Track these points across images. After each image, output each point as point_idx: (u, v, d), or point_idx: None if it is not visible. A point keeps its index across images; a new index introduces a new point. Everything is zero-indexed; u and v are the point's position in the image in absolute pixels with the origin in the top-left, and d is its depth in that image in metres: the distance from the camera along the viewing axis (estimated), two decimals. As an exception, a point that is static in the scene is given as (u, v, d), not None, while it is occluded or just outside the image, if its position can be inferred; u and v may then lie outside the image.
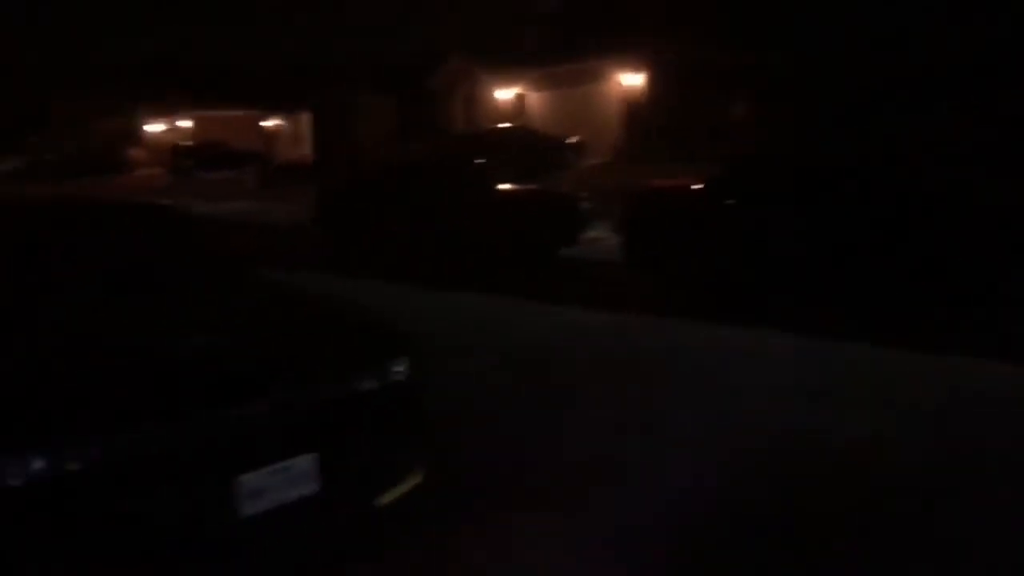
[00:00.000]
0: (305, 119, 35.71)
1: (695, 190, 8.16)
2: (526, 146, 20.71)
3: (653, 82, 23.76)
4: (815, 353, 6.04)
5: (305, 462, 3.28)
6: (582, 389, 5.53)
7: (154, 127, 44.92)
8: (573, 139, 22.99)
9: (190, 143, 37.37)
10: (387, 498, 3.62)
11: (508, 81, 28.13)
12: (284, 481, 3.22)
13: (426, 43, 32.11)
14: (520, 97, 28.22)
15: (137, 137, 45.30)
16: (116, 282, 4.03)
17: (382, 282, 9.45)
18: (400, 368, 3.73)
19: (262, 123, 39.26)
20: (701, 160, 13.88)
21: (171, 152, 36.80)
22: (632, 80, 24.14)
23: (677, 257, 8.00)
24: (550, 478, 4.24)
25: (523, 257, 10.69)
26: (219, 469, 3.09)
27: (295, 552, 3.44)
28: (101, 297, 3.86)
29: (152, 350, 3.38)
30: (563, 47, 25.53)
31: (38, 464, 2.82)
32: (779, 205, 7.32)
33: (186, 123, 42.22)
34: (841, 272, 7.01)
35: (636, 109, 23.94)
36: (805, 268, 7.20)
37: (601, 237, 12.05)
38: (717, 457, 4.38)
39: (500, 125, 24.89)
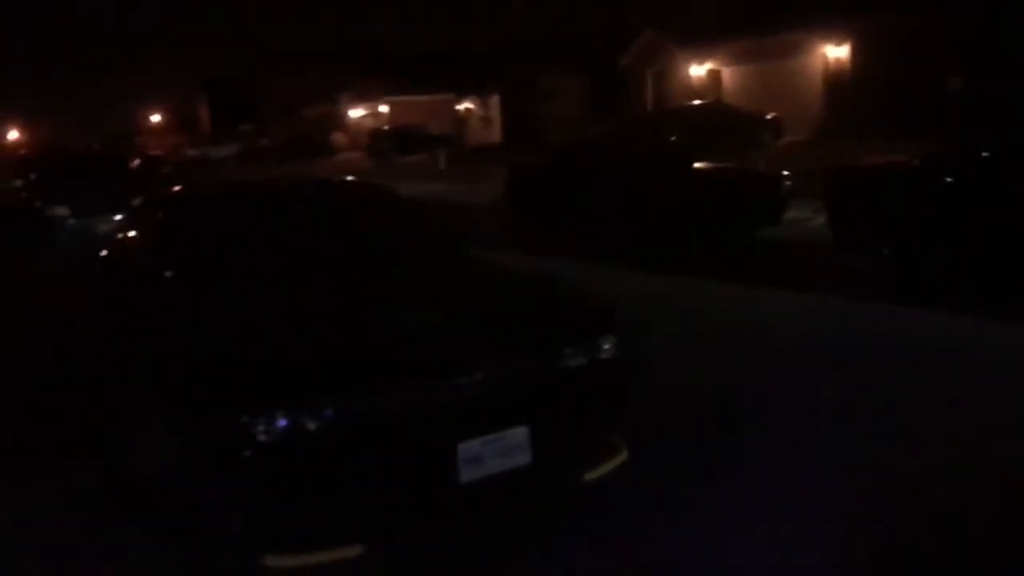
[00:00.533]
0: (495, 102, 36.46)
1: (912, 168, 7.56)
2: (721, 124, 20.04)
3: (858, 53, 22.27)
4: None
5: (518, 434, 3.35)
6: (796, 372, 5.30)
7: (355, 113, 47.49)
8: (771, 116, 22.00)
9: (387, 127, 39.17)
10: (594, 474, 3.63)
11: (702, 56, 27.35)
12: (499, 451, 3.30)
13: (617, 20, 31.79)
14: (714, 73, 27.37)
15: (340, 123, 48.10)
16: (346, 256, 4.30)
17: (574, 262, 9.48)
18: (609, 345, 3.72)
19: (455, 107, 40.49)
20: (912, 137, 12.91)
21: (370, 136, 38.76)
22: (835, 52, 22.74)
23: (889, 239, 7.46)
24: (763, 466, 4.10)
25: (720, 238, 10.37)
26: (441, 436, 3.22)
27: (506, 520, 3.53)
28: (334, 270, 4.12)
29: (381, 321, 3.58)
30: (760, 19, 24.43)
31: (283, 422, 3.05)
32: (1009, 185, 6.65)
33: (384, 108, 44.31)
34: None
35: (839, 83, 22.56)
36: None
37: (803, 218, 11.50)
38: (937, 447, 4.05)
39: (694, 102, 24.25)
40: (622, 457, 3.74)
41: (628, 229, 10.95)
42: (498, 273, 4.44)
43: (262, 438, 3.03)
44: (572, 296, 4.06)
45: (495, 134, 36.34)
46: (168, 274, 4.07)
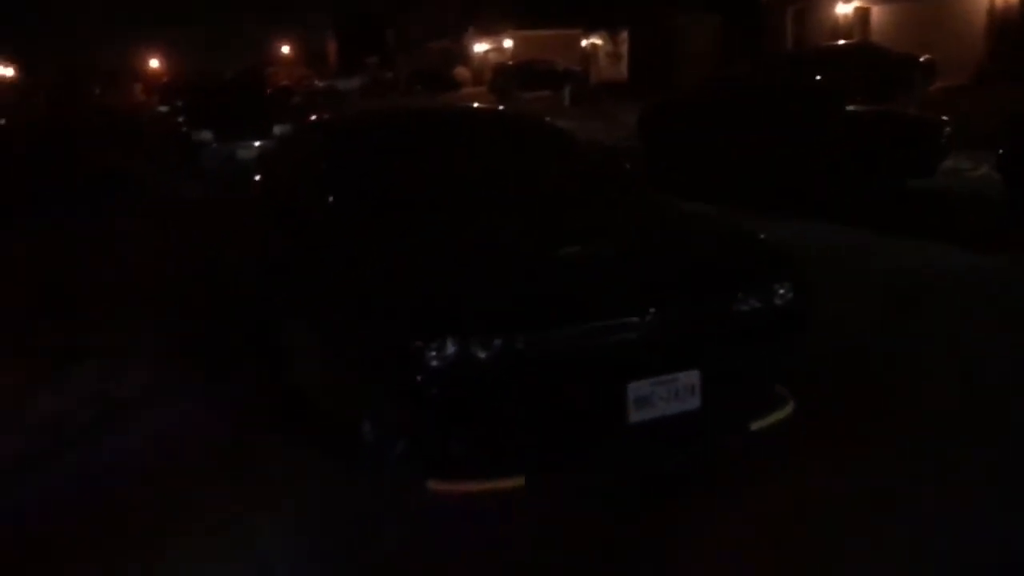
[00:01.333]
0: (624, 38, 35.45)
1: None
2: (869, 65, 18.80)
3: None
4: None
5: (689, 377, 3.22)
6: (964, 333, 4.94)
7: (480, 47, 47.23)
8: (923, 58, 20.49)
9: (511, 62, 38.76)
10: (760, 424, 3.48)
11: (850, -8, 25.68)
12: (668, 394, 3.19)
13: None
14: (861, 11, 25.66)
15: (464, 57, 47.98)
16: (517, 187, 4.22)
17: (712, 206, 9.13)
18: (785, 291, 3.52)
19: (581, 42, 39.63)
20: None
21: (493, 71, 38.47)
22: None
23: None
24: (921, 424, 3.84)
25: (869, 186, 9.78)
26: (611, 374, 3.13)
27: (673, 464, 3.44)
28: (505, 201, 4.05)
29: (553, 254, 3.50)
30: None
31: (453, 349, 3.02)
32: None
33: (509, 43, 43.85)
34: None
35: (1006, 21, 20.73)
36: None
37: (963, 168, 10.73)
38: None
39: (839, 42, 22.84)
40: (789, 409, 3.57)
41: (771, 172, 10.45)
42: (671, 211, 4.27)
43: (433, 363, 3.02)
44: (749, 239, 3.86)
45: (622, 71, 35.41)
46: (338, 200, 4.08)
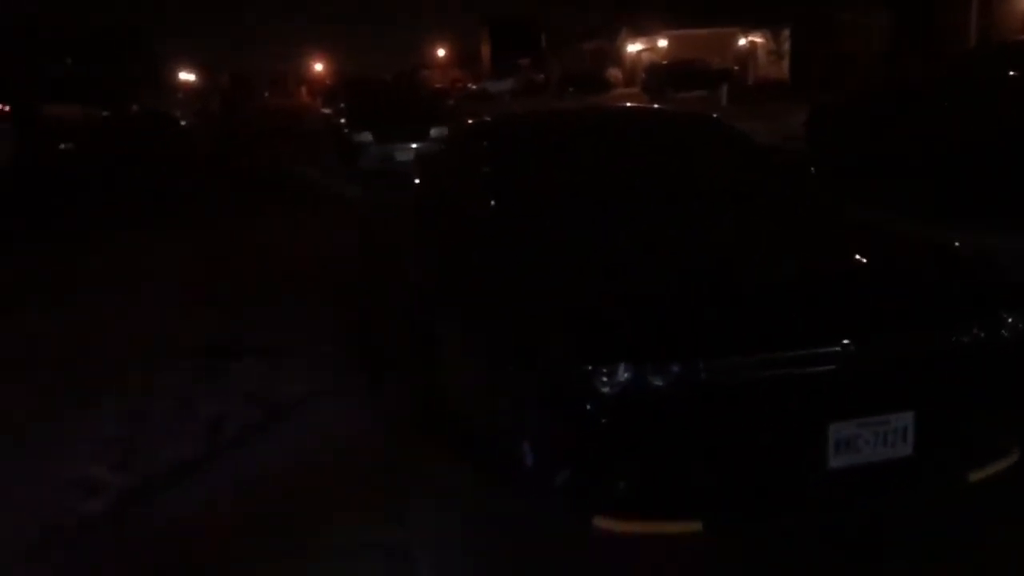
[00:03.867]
0: (785, 35, 33.96)
1: None
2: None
3: None
4: None
5: (901, 419, 2.77)
6: None
7: (633, 47, 46.61)
8: None
9: (665, 62, 37.97)
10: (980, 475, 2.99)
11: (1042, -18, 23.44)
12: (876, 437, 2.76)
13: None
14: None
15: (617, 57, 47.48)
16: (698, 198, 3.88)
17: (895, 215, 8.34)
18: (1016, 322, 3.01)
19: (738, 41, 38.32)
20: None
21: (646, 71, 37.80)
22: None
23: None
24: None
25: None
26: (811, 412, 2.74)
27: (877, 518, 3.01)
28: (685, 213, 3.71)
29: (744, 273, 3.14)
30: None
31: (627, 375, 2.73)
32: None
33: (663, 42, 43.02)
34: None
35: None
36: None
37: None
38: None
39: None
40: (1014, 458, 3.05)
41: (969, 177, 9.49)
42: (877, 231, 3.80)
43: (604, 390, 2.73)
44: (968, 262, 3.35)
45: (783, 70, 33.90)
46: (501, 205, 3.86)
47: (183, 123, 24.88)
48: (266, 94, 56.92)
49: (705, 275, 3.12)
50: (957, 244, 3.52)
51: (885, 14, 28.65)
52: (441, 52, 74.89)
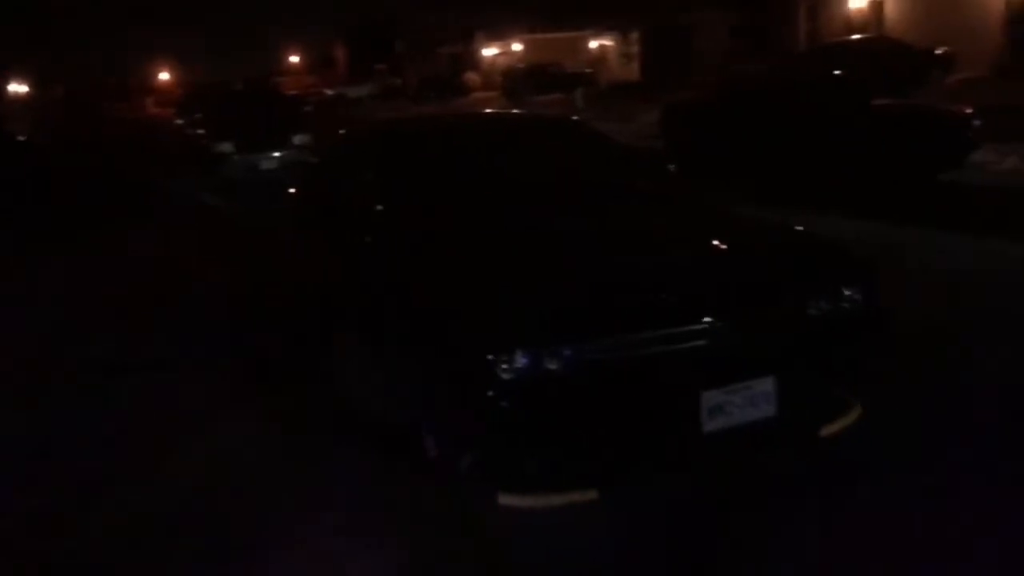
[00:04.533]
0: (635, 39, 35.39)
1: None
2: (885, 59, 18.67)
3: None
4: None
5: (763, 384, 3.16)
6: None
7: (489, 52, 47.25)
8: (941, 50, 20.34)
9: (521, 66, 38.77)
10: (831, 429, 3.42)
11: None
12: (743, 401, 3.13)
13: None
14: (876, 4, 25.51)
15: (474, 62, 48.00)
16: (570, 193, 4.17)
17: (745, 205, 9.03)
18: (855, 295, 3.46)
19: (591, 44, 39.59)
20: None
21: (503, 75, 38.48)
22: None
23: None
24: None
25: (897, 180, 9.67)
26: (685, 383, 3.07)
27: (746, 473, 3.38)
28: (560, 208, 3.99)
29: (621, 262, 3.44)
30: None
31: (525, 361, 2.97)
32: None
33: (518, 46, 43.85)
34: None
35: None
36: None
37: (989, 161, 10.62)
38: None
39: (854, 37, 22.70)
40: (857, 412, 3.51)
41: (798, 169, 10.37)
42: (732, 216, 4.21)
43: (504, 376, 2.96)
44: (814, 243, 3.80)
45: (634, 71, 35.32)
46: (391, 209, 4.03)
47: (21, 138, 23.35)
48: (108, 105, 54.05)
49: (586, 265, 3.41)
50: (803, 229, 3.96)
51: (728, 14, 30.43)
52: (294, 58, 73.24)
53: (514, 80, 35.80)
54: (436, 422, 3.37)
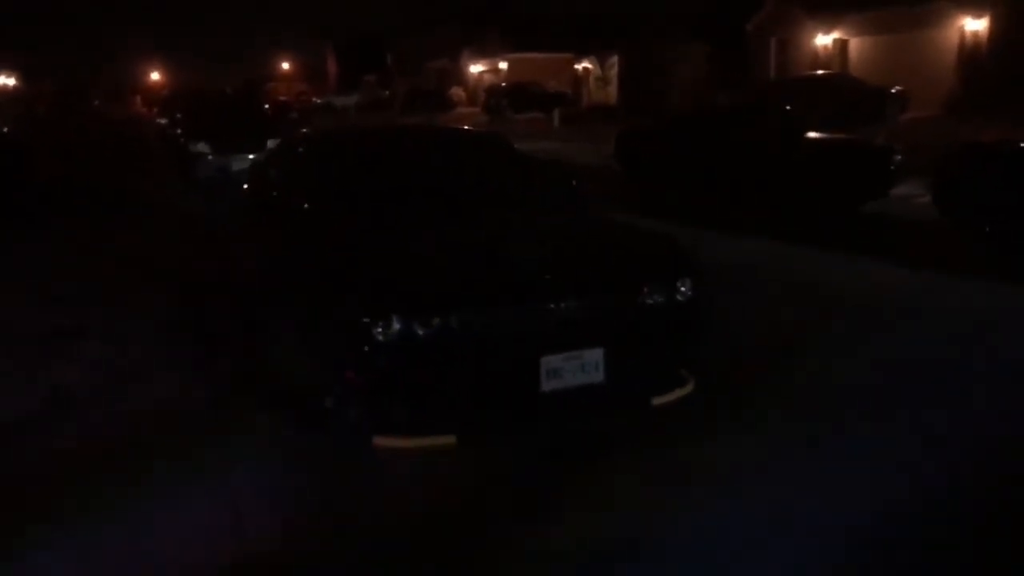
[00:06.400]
0: (613, 63, 36.34)
1: (1010, 151, 7.61)
2: (842, 95, 19.60)
3: (999, 26, 21.24)
4: None
5: (593, 354, 3.83)
6: (864, 332, 5.58)
7: (475, 68, 48.16)
8: (895, 89, 21.32)
9: (504, 84, 39.65)
10: (660, 401, 4.08)
11: (829, 25, 26.59)
12: (576, 367, 3.81)
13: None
14: (841, 42, 26.57)
15: (460, 78, 48.90)
16: (464, 194, 4.88)
17: (676, 224, 9.79)
18: (684, 287, 4.14)
19: (574, 66, 40.53)
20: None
21: (487, 92, 39.34)
22: (973, 24, 21.73)
23: (992, 217, 7.52)
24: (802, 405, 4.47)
25: (825, 208, 10.44)
26: (528, 349, 3.75)
27: (579, 429, 4.06)
28: (452, 206, 4.70)
29: (487, 250, 4.13)
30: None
31: (398, 327, 3.63)
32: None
33: (503, 65, 44.76)
34: None
35: (975, 57, 21.58)
36: None
37: (914, 194, 11.39)
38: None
39: (816, 72, 23.69)
40: (688, 389, 4.18)
41: (734, 195, 11.15)
42: (596, 220, 4.92)
43: (380, 338, 3.63)
44: (656, 241, 4.50)
45: (612, 95, 36.27)
46: (308, 205, 4.74)
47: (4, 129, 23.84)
48: (96, 103, 54.49)
49: (458, 255, 4.11)
50: (652, 231, 4.68)
51: (704, 45, 31.39)
52: (286, 66, 73.99)
53: (495, 97, 36.65)
54: (332, 381, 4.03)
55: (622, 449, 4.01)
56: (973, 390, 4.64)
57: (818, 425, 4.25)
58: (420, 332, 3.64)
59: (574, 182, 5.62)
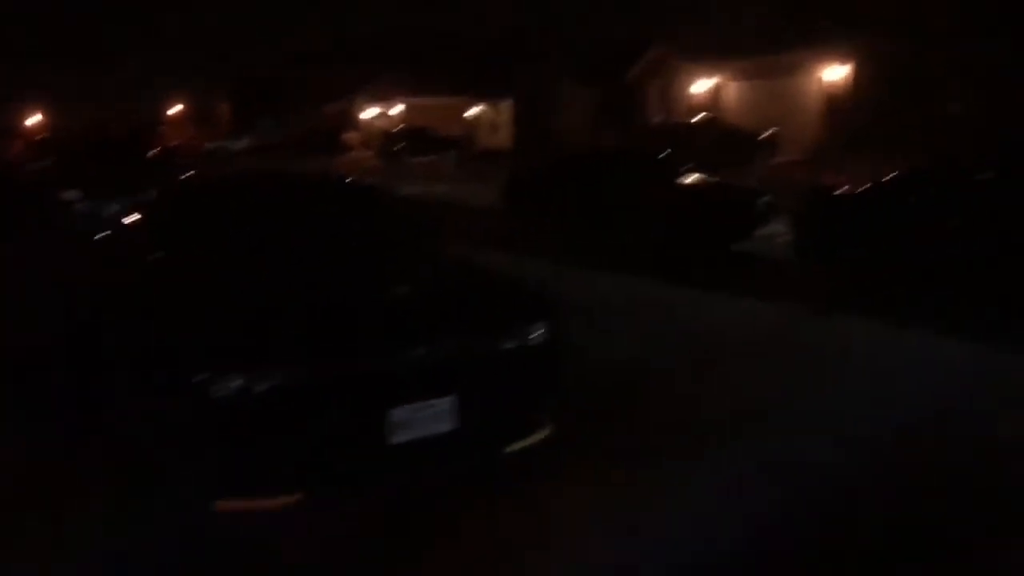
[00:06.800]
0: (506, 107, 37.00)
1: (863, 190, 8.12)
2: (718, 139, 20.53)
3: (859, 75, 22.72)
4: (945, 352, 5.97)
5: (445, 403, 3.83)
6: (722, 369, 5.79)
7: (370, 112, 48.12)
8: (767, 133, 22.48)
9: (399, 128, 39.75)
10: (515, 446, 4.09)
11: (706, 73, 27.85)
12: (426, 418, 3.79)
13: (627, 33, 32.26)
14: (717, 89, 27.86)
15: (355, 122, 48.74)
16: (318, 244, 4.82)
17: (556, 263, 9.98)
18: (539, 332, 4.16)
19: (468, 111, 41.04)
20: (911, 157, 13.33)
21: (382, 136, 39.34)
22: (836, 73, 23.16)
23: (842, 253, 7.98)
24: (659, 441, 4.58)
25: (697, 248, 10.83)
26: (374, 402, 3.71)
27: (431, 479, 4.02)
28: (302, 256, 4.63)
29: (333, 302, 4.06)
30: (764, 39, 24.91)
31: (235, 384, 3.54)
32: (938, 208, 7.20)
33: (398, 109, 44.90)
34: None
35: (838, 103, 22.99)
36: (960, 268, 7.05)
37: (779, 233, 11.95)
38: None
39: (695, 118, 24.74)
40: (545, 433, 4.21)
41: (613, 236, 11.46)
42: (454, 266, 4.93)
43: (217, 395, 3.53)
44: (511, 287, 4.54)
45: (505, 140, 36.84)
46: (152, 255, 4.61)
47: None
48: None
49: (305, 305, 4.04)
50: (509, 275, 4.73)
51: (592, 90, 32.37)
52: (178, 108, 72.15)
53: (390, 141, 36.68)
54: (170, 442, 3.89)
55: (473, 496, 4.01)
56: (819, 423, 4.86)
57: (666, 465, 4.37)
58: (259, 389, 3.56)
59: (433, 226, 5.62)
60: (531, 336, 4.16)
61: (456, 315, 4.12)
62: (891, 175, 8.10)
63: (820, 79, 23.95)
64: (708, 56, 27.24)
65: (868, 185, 8.30)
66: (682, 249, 10.70)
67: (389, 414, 3.71)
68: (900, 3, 21.36)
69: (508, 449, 4.09)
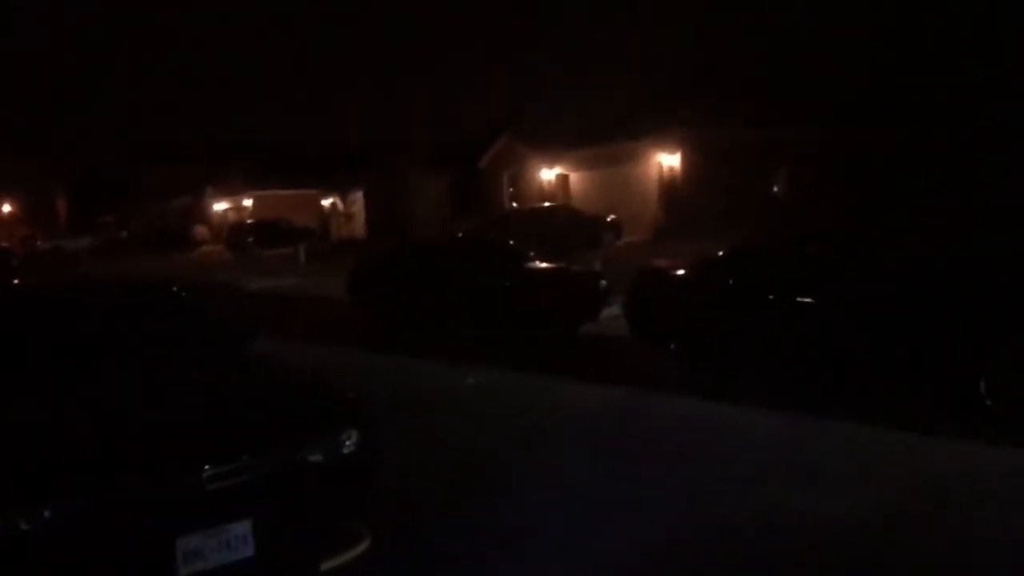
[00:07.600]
0: (359, 197, 36.98)
1: (685, 272, 8.48)
2: (564, 224, 21.17)
3: (688, 161, 24.17)
4: (797, 429, 6.16)
5: (240, 527, 3.53)
6: (571, 461, 5.74)
7: (219, 206, 46.95)
8: (611, 217, 23.40)
9: (250, 221, 38.89)
10: (330, 564, 3.82)
11: (552, 161, 28.88)
12: (220, 545, 3.49)
13: (477, 124, 33.24)
14: (563, 176, 28.92)
15: (203, 215, 47.39)
16: (113, 356, 4.45)
17: (394, 355, 9.80)
18: (350, 440, 3.94)
19: (320, 202, 40.72)
20: (742, 234, 14.09)
21: (230, 230, 38.32)
22: (669, 160, 24.56)
23: (673, 334, 8.21)
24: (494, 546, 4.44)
25: (545, 332, 10.93)
26: (160, 530, 3.37)
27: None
28: (95, 368, 4.26)
29: (111, 422, 3.74)
30: (603, 129, 26.25)
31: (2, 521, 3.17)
32: (762, 290, 7.55)
33: (248, 202, 44.03)
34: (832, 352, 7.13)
35: (673, 187, 24.30)
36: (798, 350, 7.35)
37: (620, 315, 12.27)
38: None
39: (541, 204, 25.50)
40: (364, 545, 3.93)
41: (459, 323, 11.43)
42: (260, 371, 4.65)
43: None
44: (320, 390, 4.30)
45: (358, 229, 36.66)
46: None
47: None
48: None
49: (80, 427, 3.69)
50: (321, 377, 4.52)
51: (444, 177, 32.90)
52: (8, 208, 67.97)
53: (239, 234, 35.76)
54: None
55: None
56: (652, 507, 4.85)
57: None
58: (25, 527, 3.19)
59: (244, 329, 5.30)
60: (342, 446, 3.94)
61: (256, 428, 3.85)
62: (716, 254, 8.46)
63: (655, 165, 25.28)
64: (553, 146, 28.32)
65: (691, 263, 8.64)
66: (529, 334, 10.78)
67: (177, 543, 3.39)
68: (722, 94, 23.06)
69: (324, 568, 3.81)
